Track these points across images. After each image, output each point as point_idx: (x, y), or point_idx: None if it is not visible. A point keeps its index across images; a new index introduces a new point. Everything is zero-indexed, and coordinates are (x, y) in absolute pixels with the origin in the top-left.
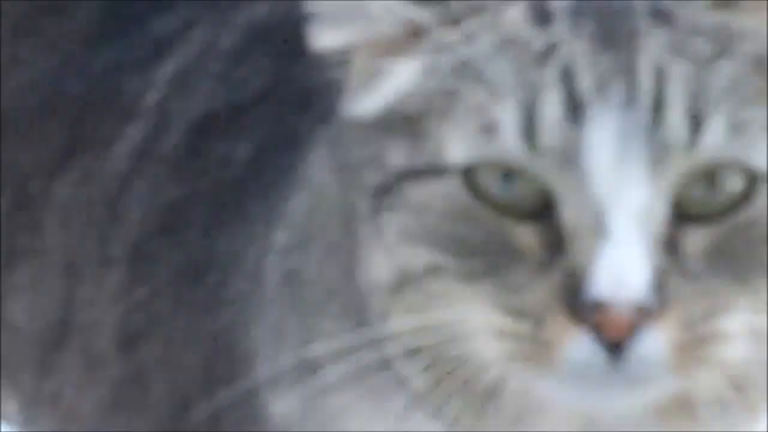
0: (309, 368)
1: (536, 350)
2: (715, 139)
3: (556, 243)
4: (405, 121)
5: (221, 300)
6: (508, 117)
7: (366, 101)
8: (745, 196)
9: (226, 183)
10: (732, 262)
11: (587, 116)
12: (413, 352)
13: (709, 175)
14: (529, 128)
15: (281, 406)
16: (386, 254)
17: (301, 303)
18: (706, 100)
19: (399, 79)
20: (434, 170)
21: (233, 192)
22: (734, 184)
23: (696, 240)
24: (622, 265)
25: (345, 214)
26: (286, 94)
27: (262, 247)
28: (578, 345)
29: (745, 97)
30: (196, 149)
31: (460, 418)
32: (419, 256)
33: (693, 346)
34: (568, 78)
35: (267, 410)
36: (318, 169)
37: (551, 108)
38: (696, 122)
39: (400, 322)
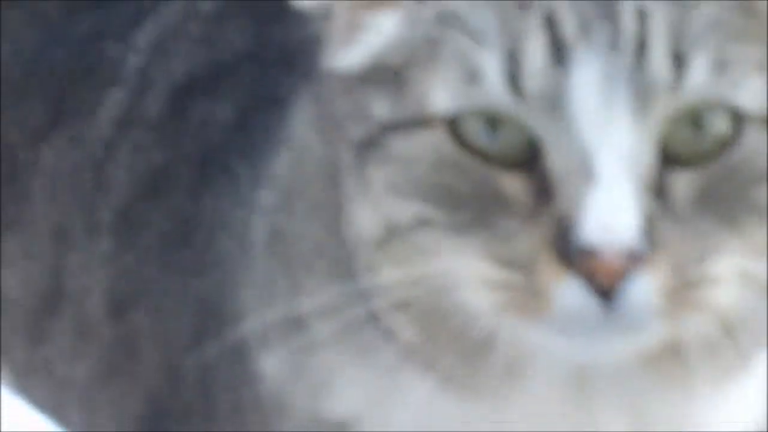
0: (297, 326)
1: (528, 299)
2: (699, 79)
3: (543, 190)
4: (388, 73)
5: (208, 262)
6: (492, 64)
7: (349, 55)
8: (732, 138)
9: (210, 145)
10: (721, 206)
11: (571, 61)
12: (402, 306)
13: (695, 117)
14: (514, 74)
15: (271, 365)
16: (373, 208)
17: (288, 261)
18: (689, 41)
19: (381, 32)
20: (419, 121)
21: (218, 154)
22: (720, 125)
23: (684, 183)
24: (610, 209)
25: (329, 170)
26: (268, 53)
27: (247, 207)
28: (569, 292)
29: (728, 37)
30: (179, 112)
31: (451, 372)
32: (406, 209)
33: (683, 291)
34: (551, 23)
35: (257, 370)
36: (301, 126)
37: (535, 53)
38: (679, 63)
39: (389, 275)
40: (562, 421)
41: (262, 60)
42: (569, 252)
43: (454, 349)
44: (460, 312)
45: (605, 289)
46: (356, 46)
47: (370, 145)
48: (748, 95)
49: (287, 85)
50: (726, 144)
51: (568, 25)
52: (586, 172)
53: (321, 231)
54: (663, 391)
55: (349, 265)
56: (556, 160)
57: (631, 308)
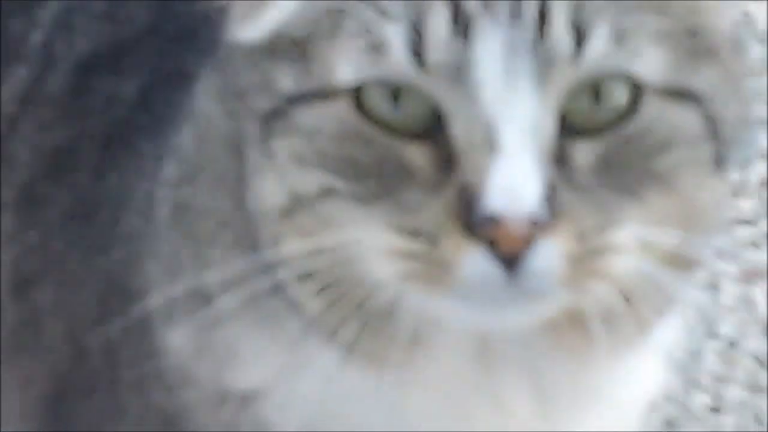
0: (202, 299)
1: (433, 269)
2: (598, 49)
3: (447, 161)
4: (292, 45)
5: (113, 237)
6: (396, 35)
7: (252, 28)
8: (632, 108)
9: (114, 121)
10: (622, 175)
11: (474, 32)
12: (306, 276)
13: (595, 88)
14: (418, 46)
15: (176, 338)
16: (278, 179)
17: (193, 235)
18: (589, 12)
19: (284, 4)
20: (323, 93)
21: (122, 130)
22: (619, 95)
23: (585, 153)
24: (513, 178)
25: (233, 142)
26: (171, 28)
27: (152, 182)
28: (474, 261)
29: (628, 8)
30: (82, 89)
31: (355, 342)
32: (311, 180)
33: (585, 259)
34: None
35: (162, 344)
36: (204, 99)
37: (438, 25)
38: (580, 34)
39: (293, 246)
40: (466, 389)
41: (166, 35)
42: (473, 221)
43: (358, 319)
44: (365, 282)
45: (509, 257)
46: (259, 19)
47: (275, 117)
48: (647, 65)
49: (191, 60)
50: (625, 114)
51: None
52: (488, 141)
53: (226, 203)
54: (565, 359)
55: (254, 237)
56: (459, 130)
57: (534, 276)
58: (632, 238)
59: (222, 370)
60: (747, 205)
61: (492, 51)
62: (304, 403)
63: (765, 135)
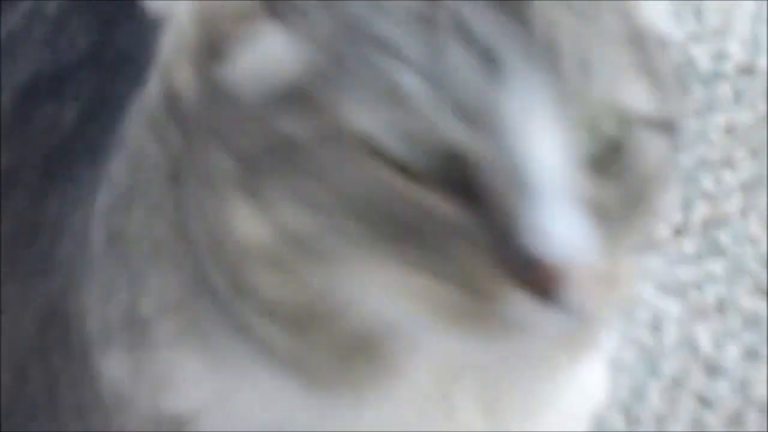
0: (139, 325)
1: (470, 311)
2: (602, 84)
3: (476, 206)
4: (294, 92)
5: (51, 264)
6: (413, 81)
7: (240, 72)
8: (625, 142)
9: (53, 147)
10: (627, 208)
11: (494, 75)
12: (281, 315)
13: (594, 123)
14: (439, 90)
15: (112, 363)
16: (261, 216)
17: (128, 261)
18: (591, 48)
19: (268, 51)
20: (335, 137)
21: (61, 156)
22: (614, 130)
23: (603, 190)
24: (549, 221)
25: (170, 171)
26: (111, 56)
27: (88, 209)
28: (517, 303)
29: (617, 41)
30: (22, 115)
31: (319, 371)
32: (316, 219)
33: (609, 293)
34: (470, 38)
35: (99, 369)
36: (134, 126)
37: (458, 69)
38: (585, 69)
39: (277, 283)
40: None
41: (106, 62)
42: (514, 265)
43: (329, 350)
44: (348, 317)
45: (546, 298)
46: (244, 63)
47: (270, 157)
48: (636, 98)
49: (130, 87)
50: (619, 147)
51: (489, 39)
52: (522, 184)
53: (162, 230)
54: (514, 364)
55: (195, 263)
56: (489, 175)
57: (570, 314)
58: (638, 266)
59: (158, 394)
60: (690, 245)
61: (513, 93)
62: (245, 426)
63: (707, 175)
